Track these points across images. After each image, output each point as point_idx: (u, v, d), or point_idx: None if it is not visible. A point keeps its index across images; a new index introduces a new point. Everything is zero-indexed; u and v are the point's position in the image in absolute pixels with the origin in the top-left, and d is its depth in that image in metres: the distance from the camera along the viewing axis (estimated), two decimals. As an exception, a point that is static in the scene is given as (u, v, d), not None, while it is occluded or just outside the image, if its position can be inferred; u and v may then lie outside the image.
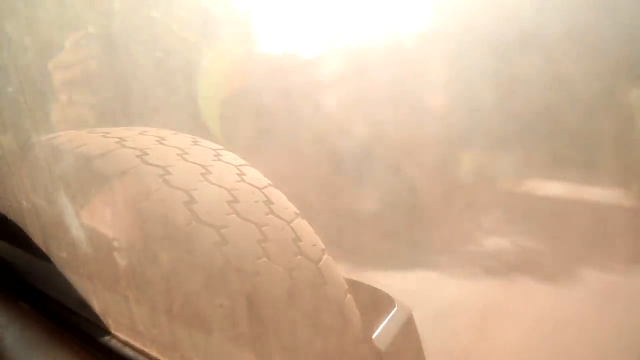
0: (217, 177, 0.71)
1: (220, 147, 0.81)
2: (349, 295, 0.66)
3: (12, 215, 0.75)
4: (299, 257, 0.66)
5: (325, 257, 0.69)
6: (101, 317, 0.55)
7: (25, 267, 0.68)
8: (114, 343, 0.51)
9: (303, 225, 0.72)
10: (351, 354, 0.59)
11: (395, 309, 0.65)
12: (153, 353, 0.48)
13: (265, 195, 0.73)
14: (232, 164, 0.76)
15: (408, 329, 0.63)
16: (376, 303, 0.68)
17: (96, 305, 0.56)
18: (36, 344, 0.52)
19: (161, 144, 0.76)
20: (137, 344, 0.49)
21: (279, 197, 0.75)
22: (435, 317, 1.27)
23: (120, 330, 0.52)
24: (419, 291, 1.44)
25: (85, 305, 0.57)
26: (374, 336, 0.60)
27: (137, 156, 0.71)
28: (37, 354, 0.51)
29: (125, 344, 0.50)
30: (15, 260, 0.70)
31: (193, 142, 0.80)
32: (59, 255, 0.65)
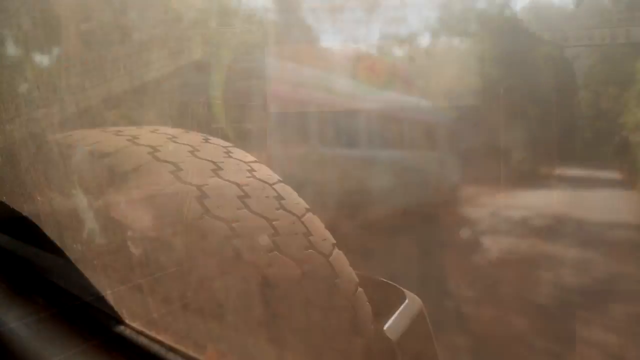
0: (228, 173, 0.72)
1: (230, 144, 0.82)
2: (359, 289, 0.67)
3: (26, 212, 0.76)
4: (310, 250, 0.66)
5: (335, 251, 0.70)
6: (115, 307, 0.55)
7: (40, 261, 0.69)
8: (128, 332, 0.52)
9: (314, 220, 0.73)
10: (362, 345, 0.59)
11: (406, 301, 0.65)
12: (167, 341, 0.48)
13: (276, 191, 0.73)
14: (242, 161, 0.77)
15: (419, 320, 0.63)
16: (387, 296, 0.68)
17: (110, 296, 0.57)
18: (51, 337, 0.53)
19: (172, 141, 0.77)
20: (152, 333, 0.50)
21: (290, 193, 0.76)
22: (559, 194, 8.73)
23: (134, 320, 0.53)
24: (547, 194, 9.02)
25: (99, 297, 0.57)
26: (385, 327, 0.60)
27: (149, 153, 0.72)
28: (52, 348, 0.51)
29: (140, 333, 0.51)
30: (30, 255, 0.71)
31: (204, 140, 0.81)
32: (73, 249, 0.66)
